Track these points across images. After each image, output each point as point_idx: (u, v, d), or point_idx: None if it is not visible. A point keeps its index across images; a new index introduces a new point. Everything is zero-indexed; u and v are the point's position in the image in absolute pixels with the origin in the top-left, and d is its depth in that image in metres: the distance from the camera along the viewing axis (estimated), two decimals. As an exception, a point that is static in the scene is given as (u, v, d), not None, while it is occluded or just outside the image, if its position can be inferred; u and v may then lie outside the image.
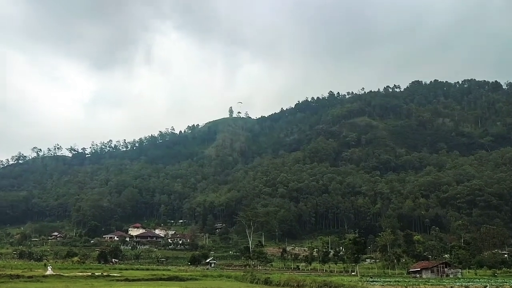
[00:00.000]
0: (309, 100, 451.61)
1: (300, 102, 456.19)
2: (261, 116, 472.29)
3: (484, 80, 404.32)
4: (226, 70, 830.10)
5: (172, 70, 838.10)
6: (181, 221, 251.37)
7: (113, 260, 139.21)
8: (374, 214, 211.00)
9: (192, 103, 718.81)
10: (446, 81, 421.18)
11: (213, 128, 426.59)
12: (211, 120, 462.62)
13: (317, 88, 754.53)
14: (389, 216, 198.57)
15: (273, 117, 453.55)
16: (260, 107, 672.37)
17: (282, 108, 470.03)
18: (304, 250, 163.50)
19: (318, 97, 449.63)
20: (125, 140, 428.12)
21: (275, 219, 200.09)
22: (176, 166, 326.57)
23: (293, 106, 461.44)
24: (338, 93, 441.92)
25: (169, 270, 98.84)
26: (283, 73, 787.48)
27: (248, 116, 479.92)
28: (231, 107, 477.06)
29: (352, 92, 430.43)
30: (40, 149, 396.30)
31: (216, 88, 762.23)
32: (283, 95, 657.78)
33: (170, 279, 68.79)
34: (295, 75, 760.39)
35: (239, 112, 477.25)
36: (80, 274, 70.57)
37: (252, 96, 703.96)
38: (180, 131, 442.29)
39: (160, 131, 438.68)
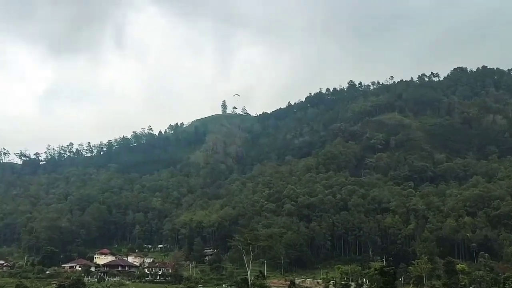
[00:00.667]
0: (324, 92, 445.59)
1: (312, 94, 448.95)
2: (263, 113, 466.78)
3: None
4: (218, 55, 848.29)
5: (150, 55, 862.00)
6: (161, 246, 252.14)
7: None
8: (407, 237, 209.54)
9: (175, 97, 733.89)
10: (497, 68, 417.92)
11: (201, 128, 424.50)
12: (199, 117, 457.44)
13: (333, 77, 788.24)
14: (426, 240, 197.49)
15: (278, 114, 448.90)
16: (262, 101, 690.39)
17: (289, 103, 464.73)
18: (318, 282, 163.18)
19: (334, 89, 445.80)
20: (89, 143, 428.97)
21: (280, 243, 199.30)
22: (154, 176, 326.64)
23: (303, 99, 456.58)
24: (361, 83, 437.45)
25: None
26: (291, 58, 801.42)
27: (246, 113, 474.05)
28: (224, 102, 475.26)
29: (378, 82, 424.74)
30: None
31: (205, 78, 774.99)
32: (291, 86, 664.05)
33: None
34: (306, 61, 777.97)
35: (234, 108, 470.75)
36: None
37: (252, 88, 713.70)
38: (160, 132, 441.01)
39: (134, 132, 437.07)
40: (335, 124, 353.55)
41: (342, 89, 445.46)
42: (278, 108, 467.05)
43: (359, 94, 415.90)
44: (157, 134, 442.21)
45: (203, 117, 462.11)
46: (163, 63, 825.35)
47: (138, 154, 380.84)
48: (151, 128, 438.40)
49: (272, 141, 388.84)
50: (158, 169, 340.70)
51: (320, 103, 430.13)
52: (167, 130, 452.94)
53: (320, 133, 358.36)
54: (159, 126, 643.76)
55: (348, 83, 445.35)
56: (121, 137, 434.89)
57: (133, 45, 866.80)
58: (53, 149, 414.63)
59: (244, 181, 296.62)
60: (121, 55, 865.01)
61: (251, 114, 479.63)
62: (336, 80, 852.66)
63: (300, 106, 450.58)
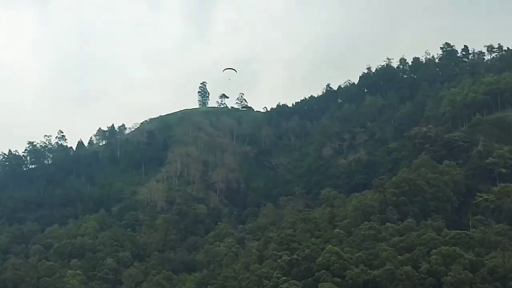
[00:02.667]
0: (395, 65, 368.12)
1: (373, 71, 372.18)
2: (277, 106, 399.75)
3: None
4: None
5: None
6: None
7: None
8: None
9: (109, 77, 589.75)
10: None
11: (159, 135, 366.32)
12: (155, 116, 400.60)
13: (412, 42, 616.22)
14: None
15: (305, 108, 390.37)
16: (273, 85, 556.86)
17: (327, 87, 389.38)
18: None
19: (416, 59, 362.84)
20: None
21: None
22: (70, 227, 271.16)
23: (353, 80, 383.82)
24: (466, 48, 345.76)
25: None
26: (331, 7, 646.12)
27: (246, 106, 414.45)
28: (203, 84, 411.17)
29: (501, 47, 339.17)
30: None
31: (167, 41, 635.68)
32: (330, 57, 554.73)
33: None
34: (359, 12, 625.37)
35: (223, 97, 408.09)
36: None
37: (255, 61, 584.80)
38: (81, 143, 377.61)
39: (31, 144, 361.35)
40: (418, 127, 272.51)
41: (430, 60, 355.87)
42: (304, 97, 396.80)
43: (463, 70, 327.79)
44: (74, 148, 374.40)
45: (162, 114, 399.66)
46: (86, 12, 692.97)
47: (38, 186, 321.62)
48: (63, 136, 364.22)
49: (294, 159, 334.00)
50: (77, 214, 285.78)
51: (387, 87, 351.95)
52: (95, 139, 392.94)
53: (388, 145, 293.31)
54: (79, 132, 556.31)
55: (442, 48, 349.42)
56: (4, 154, 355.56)
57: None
58: None
59: (242, 237, 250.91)
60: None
61: (255, 109, 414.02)
62: (419, 45, 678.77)
63: (347, 92, 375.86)
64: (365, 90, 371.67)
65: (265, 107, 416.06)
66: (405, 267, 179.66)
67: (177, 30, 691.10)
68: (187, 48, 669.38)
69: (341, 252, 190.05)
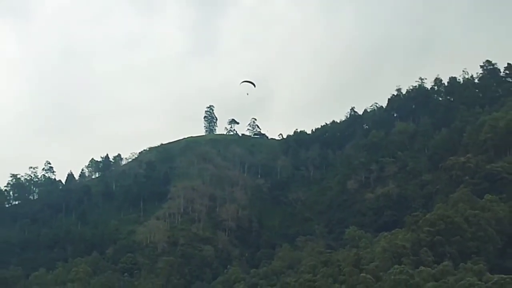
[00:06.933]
0: (428, 86, 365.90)
1: (403, 93, 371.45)
2: (294, 133, 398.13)
3: None
4: (197, 12, 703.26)
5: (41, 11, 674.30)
6: None
7: None
8: None
9: (102, 101, 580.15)
10: None
11: (160, 167, 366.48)
12: (156, 144, 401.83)
13: (448, 59, 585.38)
14: None
15: (326, 135, 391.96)
16: (289, 109, 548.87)
17: (352, 111, 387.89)
18: None
19: (453, 78, 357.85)
20: None
21: None
22: (59, 271, 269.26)
23: (381, 103, 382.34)
24: (510, 66, 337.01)
25: None
26: (358, 14, 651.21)
27: (259, 133, 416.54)
28: (210, 108, 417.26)
29: None
30: None
31: (170, 59, 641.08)
32: (356, 78, 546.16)
33: None
34: (386, 28, 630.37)
35: (232, 123, 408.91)
36: None
37: (268, 81, 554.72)
38: (71, 175, 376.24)
39: (14, 176, 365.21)
40: (455, 156, 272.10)
41: (468, 80, 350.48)
42: (325, 123, 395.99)
43: (507, 92, 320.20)
44: (63, 181, 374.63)
45: (164, 142, 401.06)
46: (72, 28, 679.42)
47: (22, 225, 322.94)
48: (50, 168, 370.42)
49: (314, 193, 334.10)
50: (67, 257, 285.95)
51: (419, 111, 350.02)
52: (87, 171, 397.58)
53: (422, 177, 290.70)
54: (68, 164, 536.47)
55: (482, 66, 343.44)
56: None
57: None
58: None
59: (254, 283, 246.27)
60: None
61: (269, 136, 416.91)
62: (451, 67, 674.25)
63: (375, 117, 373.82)
64: (395, 115, 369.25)
65: (280, 134, 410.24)
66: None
67: (178, 46, 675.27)
68: (190, 67, 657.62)
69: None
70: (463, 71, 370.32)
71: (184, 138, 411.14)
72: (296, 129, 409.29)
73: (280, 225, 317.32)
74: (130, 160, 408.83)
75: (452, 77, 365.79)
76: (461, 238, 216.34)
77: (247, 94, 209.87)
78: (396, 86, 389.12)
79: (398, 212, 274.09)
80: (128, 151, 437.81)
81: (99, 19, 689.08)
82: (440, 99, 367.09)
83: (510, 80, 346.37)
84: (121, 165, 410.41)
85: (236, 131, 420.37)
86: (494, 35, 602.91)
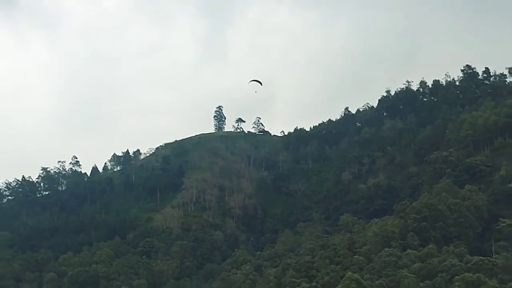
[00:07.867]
0: (414, 88, 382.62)
1: (392, 94, 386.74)
2: (295, 130, 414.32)
3: None
4: (205, 23, 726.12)
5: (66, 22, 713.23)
6: None
7: None
8: None
9: (121, 103, 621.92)
10: None
11: (175, 161, 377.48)
12: (171, 141, 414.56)
13: (432, 64, 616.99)
14: None
15: (323, 132, 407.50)
16: (291, 109, 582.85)
17: (345, 111, 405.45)
18: None
19: (436, 82, 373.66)
20: None
21: None
22: (84, 254, 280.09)
23: (372, 103, 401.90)
24: (487, 70, 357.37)
25: None
26: (350, 24, 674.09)
27: (263, 130, 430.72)
28: (219, 108, 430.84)
29: None
30: None
31: (181, 65, 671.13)
32: (347, 80, 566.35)
33: None
34: (380, 29, 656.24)
35: (239, 122, 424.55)
36: None
37: (272, 83, 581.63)
38: (95, 169, 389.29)
39: (44, 170, 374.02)
40: (438, 151, 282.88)
41: (450, 83, 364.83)
42: (322, 121, 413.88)
43: (485, 93, 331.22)
44: (88, 173, 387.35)
45: (178, 139, 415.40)
46: (96, 37, 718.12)
47: (52, 213, 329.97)
48: (77, 162, 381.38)
49: (312, 184, 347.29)
50: (91, 241, 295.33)
51: (406, 110, 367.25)
52: (109, 165, 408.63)
53: (409, 170, 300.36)
54: (93, 158, 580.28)
55: (463, 70, 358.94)
56: (17, 180, 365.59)
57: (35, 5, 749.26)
58: None
59: (259, 264, 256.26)
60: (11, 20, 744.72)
61: (272, 133, 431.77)
62: (435, 71, 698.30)
63: (366, 116, 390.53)
64: (385, 114, 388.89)
65: (282, 131, 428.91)
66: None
67: (191, 53, 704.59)
68: (201, 71, 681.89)
69: (361, 279, 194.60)
70: (445, 74, 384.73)
71: (196, 135, 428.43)
72: (296, 127, 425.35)
73: (282, 213, 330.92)
74: (148, 154, 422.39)
75: (435, 80, 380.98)
76: (444, 224, 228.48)
77: (255, 92, 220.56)
78: (386, 88, 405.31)
79: (387, 201, 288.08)
80: (146, 146, 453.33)
81: (121, 29, 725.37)
82: (425, 99, 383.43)
83: (488, 83, 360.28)
84: (140, 159, 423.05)
85: (242, 129, 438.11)
86: (474, 43, 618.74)
